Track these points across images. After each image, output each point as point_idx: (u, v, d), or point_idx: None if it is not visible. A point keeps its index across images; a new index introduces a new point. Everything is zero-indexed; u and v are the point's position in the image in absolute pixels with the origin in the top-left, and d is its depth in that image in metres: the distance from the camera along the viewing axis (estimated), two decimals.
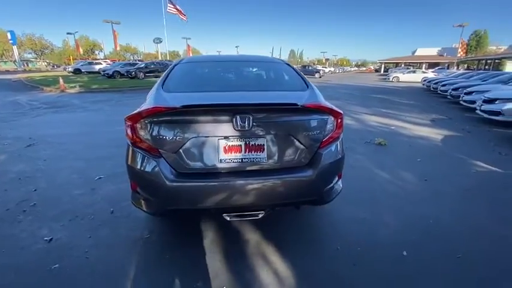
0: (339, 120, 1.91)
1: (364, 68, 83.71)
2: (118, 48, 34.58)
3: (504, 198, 2.88)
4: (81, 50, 40.24)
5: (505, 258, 1.95)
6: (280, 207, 1.89)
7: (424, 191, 3.00)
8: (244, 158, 1.74)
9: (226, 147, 1.71)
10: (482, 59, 35.73)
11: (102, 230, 2.26)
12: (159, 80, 2.30)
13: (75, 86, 13.92)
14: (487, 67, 33.12)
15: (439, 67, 37.52)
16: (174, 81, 2.16)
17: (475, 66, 37.37)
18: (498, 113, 6.56)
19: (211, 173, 1.73)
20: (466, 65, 40.98)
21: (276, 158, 1.77)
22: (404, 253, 1.98)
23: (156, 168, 1.68)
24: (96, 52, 55.80)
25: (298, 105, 1.72)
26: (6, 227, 2.28)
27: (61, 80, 13.74)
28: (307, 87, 2.15)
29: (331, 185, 1.93)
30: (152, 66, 22.25)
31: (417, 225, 2.33)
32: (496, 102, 6.74)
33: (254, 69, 2.74)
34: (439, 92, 13.43)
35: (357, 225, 2.33)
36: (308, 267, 1.85)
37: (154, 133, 1.69)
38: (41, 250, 2.01)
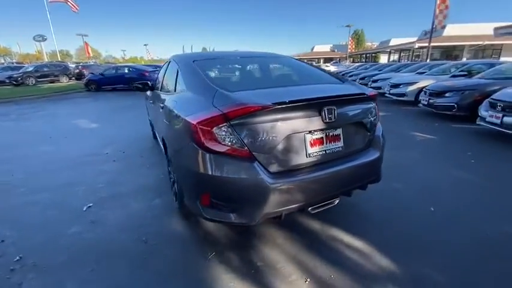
0: (377, 106, 2.19)
1: None
2: None
3: (455, 155, 3.85)
4: None
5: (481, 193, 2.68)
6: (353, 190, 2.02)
7: (403, 159, 3.68)
8: (327, 149, 1.80)
9: (312, 141, 1.73)
10: (363, 54, 44.09)
11: (153, 263, 1.87)
12: (189, 82, 2.05)
13: None
14: (367, 60, 41.11)
15: (333, 61, 44.20)
16: (221, 81, 1.98)
17: (358, 60, 45.77)
18: (403, 95, 8.42)
19: (300, 169, 1.72)
20: (352, 59, 49.70)
21: (350, 145, 1.90)
22: (432, 209, 2.45)
23: (254, 172, 1.56)
24: None
25: (366, 94, 1.89)
26: None
27: None
28: (342, 80, 2.32)
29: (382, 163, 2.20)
30: (45, 69, 18.08)
31: (423, 186, 2.88)
32: (400, 86, 8.61)
33: (284, 65, 2.75)
34: None
35: (386, 194, 2.68)
36: (379, 238, 2.07)
37: (242, 135, 1.56)
38: None
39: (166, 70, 3.11)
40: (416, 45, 27.20)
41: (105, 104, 10.16)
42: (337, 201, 1.95)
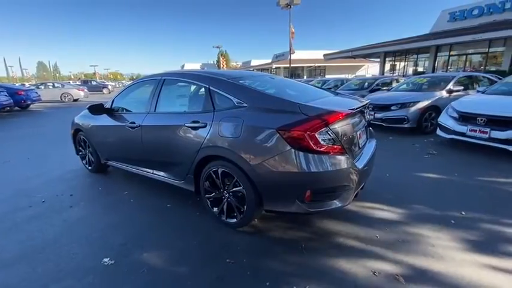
0: None
1: None
2: None
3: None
4: None
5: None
6: None
7: None
8: (362, 141, 2.49)
9: (358, 136, 2.38)
10: None
11: None
12: (252, 99, 2.23)
13: None
14: None
15: None
16: (280, 95, 2.29)
17: None
18: None
19: (357, 156, 2.33)
20: None
21: (367, 137, 2.69)
22: (387, 175, 3.65)
23: (350, 161, 2.07)
24: None
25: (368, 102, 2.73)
26: None
27: None
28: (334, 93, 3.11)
29: None
30: None
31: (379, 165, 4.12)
32: None
33: (284, 81, 3.22)
34: None
35: None
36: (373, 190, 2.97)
37: (336, 135, 2.01)
38: None
39: (160, 90, 2.86)
40: (274, 66, 33.40)
41: None
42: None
